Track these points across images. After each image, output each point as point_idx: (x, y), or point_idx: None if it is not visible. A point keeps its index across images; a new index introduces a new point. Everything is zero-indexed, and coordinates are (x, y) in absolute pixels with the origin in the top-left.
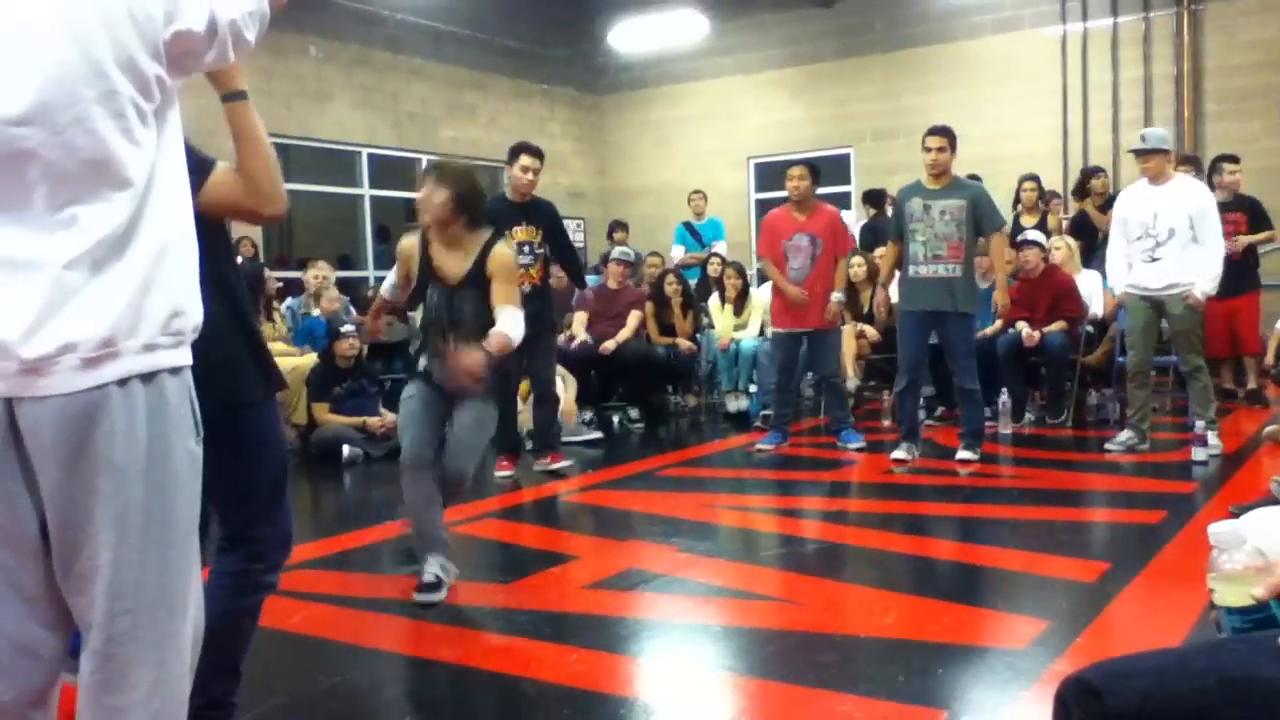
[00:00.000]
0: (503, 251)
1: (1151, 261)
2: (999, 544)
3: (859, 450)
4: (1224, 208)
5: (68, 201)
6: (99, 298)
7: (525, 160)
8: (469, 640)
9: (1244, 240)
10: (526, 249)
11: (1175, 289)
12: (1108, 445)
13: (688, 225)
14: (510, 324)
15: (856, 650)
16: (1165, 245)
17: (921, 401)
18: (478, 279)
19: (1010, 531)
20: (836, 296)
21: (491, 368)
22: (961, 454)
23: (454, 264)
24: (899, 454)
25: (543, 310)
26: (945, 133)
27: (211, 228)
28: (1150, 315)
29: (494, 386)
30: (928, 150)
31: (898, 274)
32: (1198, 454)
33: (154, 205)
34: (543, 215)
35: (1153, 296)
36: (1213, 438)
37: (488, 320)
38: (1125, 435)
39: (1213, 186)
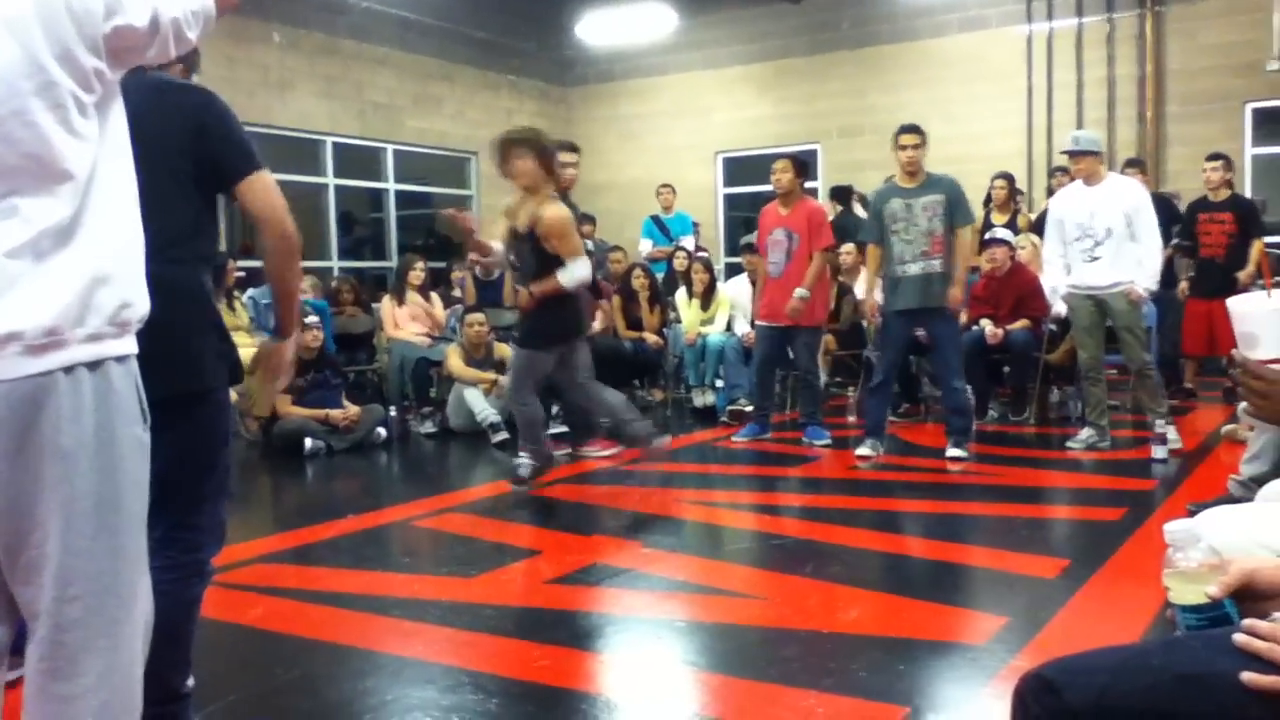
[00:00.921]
0: (550, 213)
1: (1091, 261)
2: (961, 540)
3: (825, 446)
4: (1214, 207)
5: (9, 192)
6: (43, 287)
7: (564, 156)
8: (431, 635)
9: (1252, 269)
10: None
11: (1117, 287)
12: (1069, 443)
13: (656, 219)
14: (566, 273)
15: (820, 646)
16: (1104, 244)
17: None
18: (531, 233)
19: (972, 528)
20: (799, 293)
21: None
22: (951, 451)
23: (524, 217)
24: (864, 450)
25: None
26: (919, 130)
27: (210, 214)
28: (1095, 313)
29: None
30: (903, 149)
31: (863, 274)
32: (1157, 452)
33: (98, 197)
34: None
35: (1095, 295)
36: (1171, 432)
37: (542, 266)
38: (1086, 433)
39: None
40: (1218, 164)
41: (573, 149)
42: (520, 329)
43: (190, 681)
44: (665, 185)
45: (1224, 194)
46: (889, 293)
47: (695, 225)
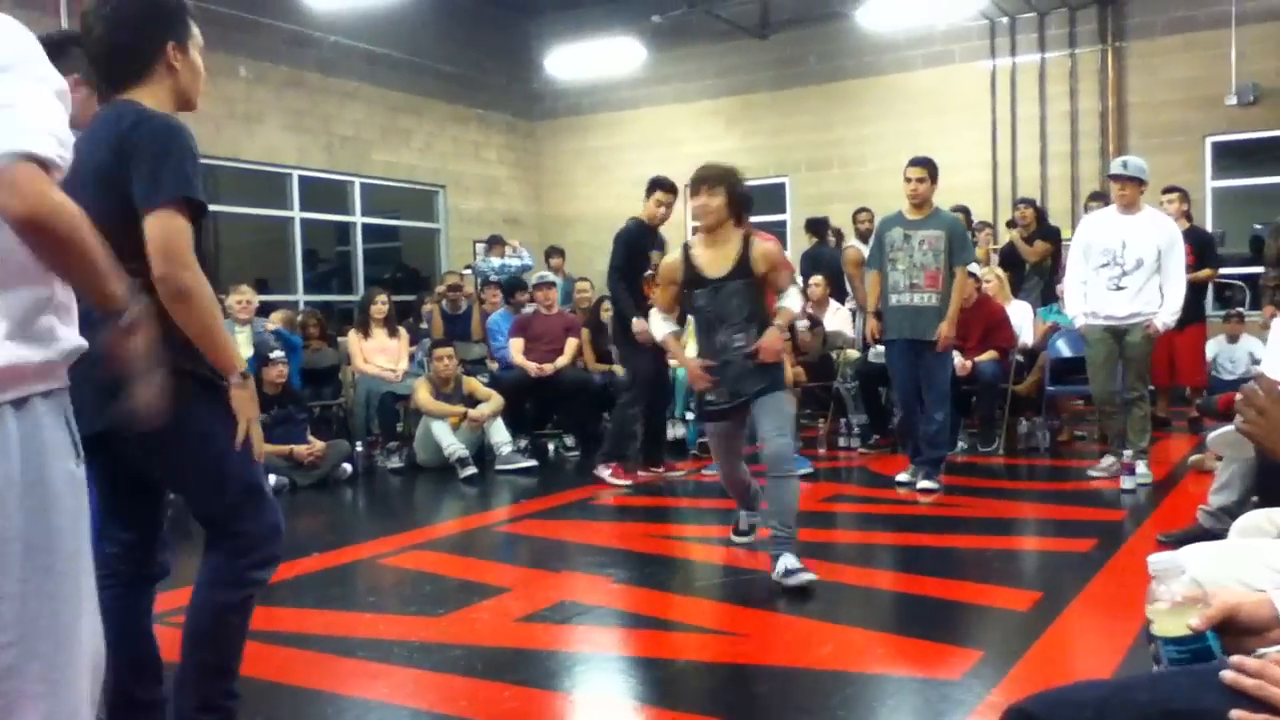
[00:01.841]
0: (764, 245)
1: (1116, 290)
2: (933, 573)
3: (805, 476)
4: None
5: None
6: None
7: (659, 195)
8: (398, 677)
9: (1190, 277)
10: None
11: (1138, 318)
12: (1090, 471)
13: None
14: (793, 299)
15: (794, 683)
16: (1131, 275)
17: (855, 430)
18: (744, 270)
19: (944, 560)
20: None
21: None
22: (922, 484)
23: (719, 261)
24: (903, 476)
25: None
26: (926, 164)
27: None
28: (1112, 345)
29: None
30: (908, 180)
31: (832, 304)
32: (1126, 483)
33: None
34: (661, 243)
35: (1115, 326)
36: (1141, 466)
37: (755, 309)
38: (1108, 461)
39: None
40: (1174, 196)
41: (670, 189)
42: (763, 377)
43: (235, 695)
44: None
45: (1182, 225)
46: (886, 320)
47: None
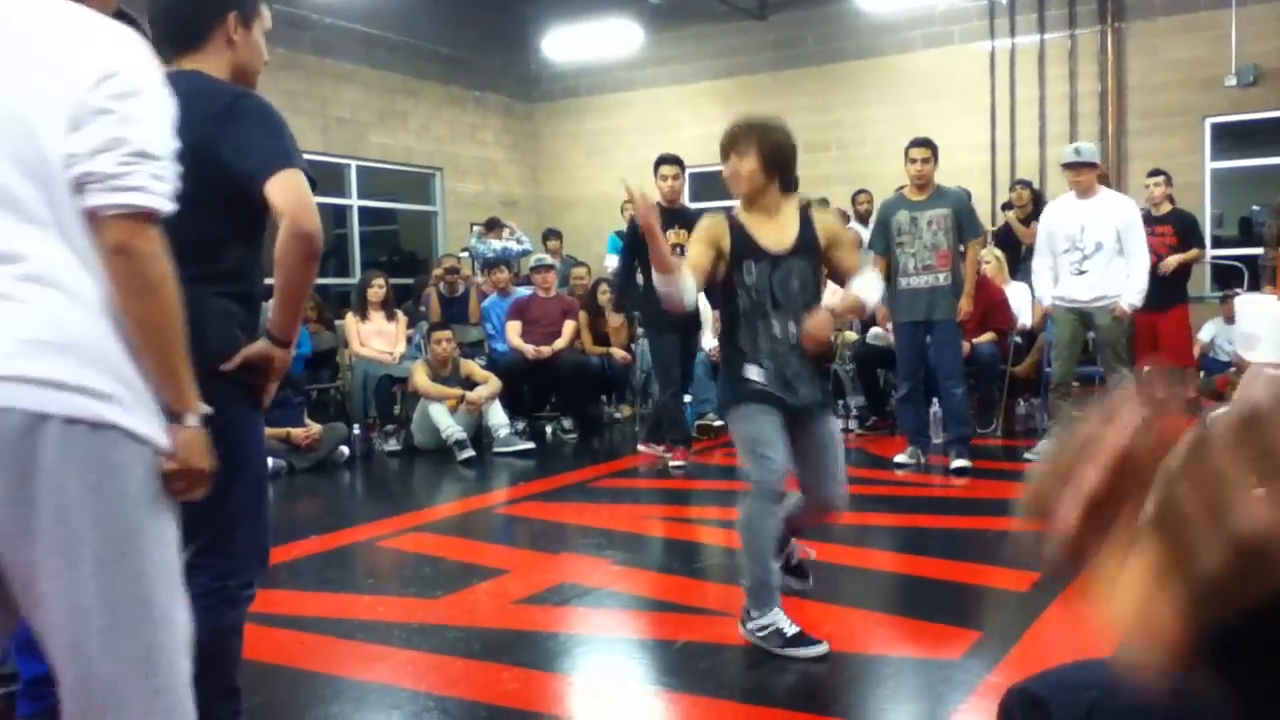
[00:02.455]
0: (828, 217)
1: (1079, 274)
2: (932, 554)
3: None
4: (1156, 221)
5: None
6: None
7: (662, 170)
8: (396, 659)
9: (1172, 261)
10: (678, 251)
11: (1103, 301)
12: (1027, 455)
13: (621, 235)
14: (871, 286)
15: (793, 664)
16: (1092, 258)
17: (853, 412)
18: (807, 248)
19: (942, 541)
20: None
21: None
22: (955, 462)
23: (775, 233)
24: (901, 458)
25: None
26: (929, 144)
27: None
28: (1077, 327)
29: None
30: (912, 162)
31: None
32: None
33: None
34: (692, 220)
35: (1080, 308)
36: None
37: (816, 294)
38: (1043, 444)
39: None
40: (1159, 179)
41: (672, 162)
42: (820, 384)
43: (241, 711)
44: (629, 201)
45: (1166, 208)
46: (896, 304)
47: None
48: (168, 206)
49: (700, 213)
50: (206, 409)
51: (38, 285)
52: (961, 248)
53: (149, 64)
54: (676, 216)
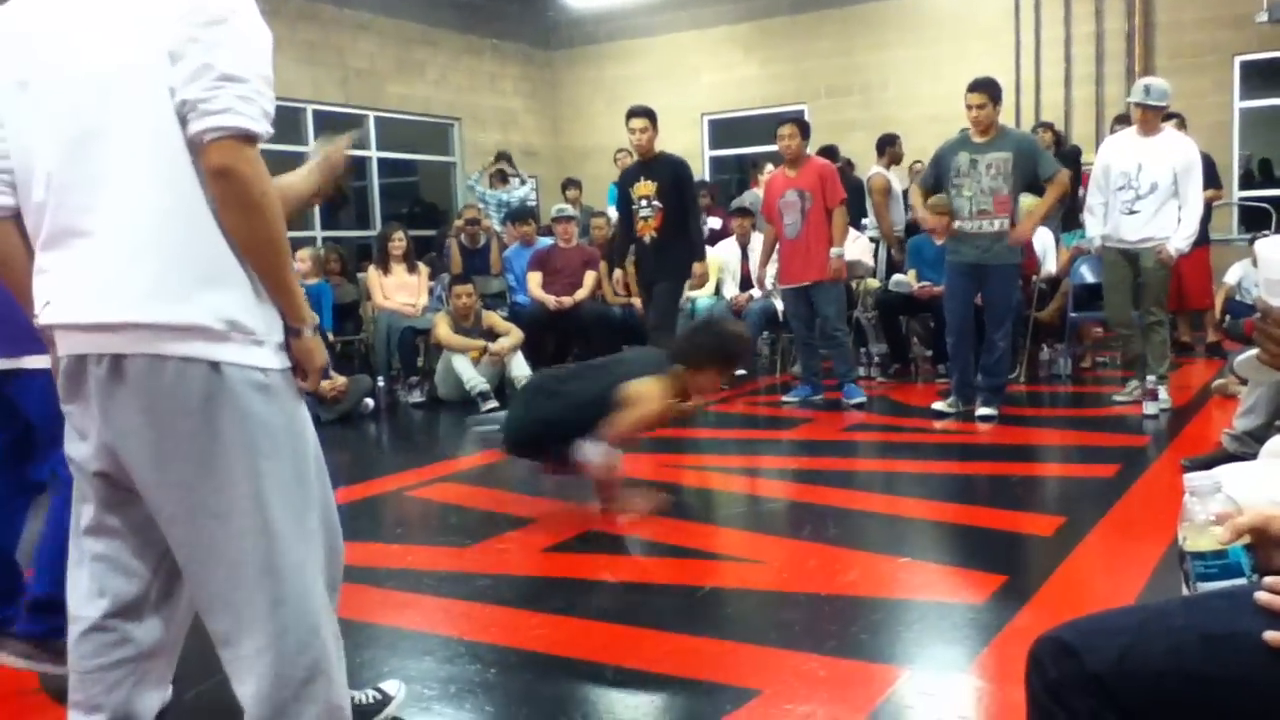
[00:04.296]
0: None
1: (1130, 214)
2: (957, 500)
3: (859, 406)
4: None
5: None
6: None
7: (631, 123)
8: (427, 606)
9: None
10: (645, 202)
11: (1150, 242)
12: (1115, 397)
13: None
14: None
15: (819, 609)
16: (1146, 199)
17: (875, 359)
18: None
19: (967, 487)
20: (836, 251)
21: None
22: (981, 410)
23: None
24: (940, 405)
25: (665, 260)
26: (984, 87)
27: None
28: (1126, 270)
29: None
30: (969, 108)
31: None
32: (1149, 408)
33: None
34: (663, 171)
35: (1128, 249)
36: (1163, 392)
37: None
38: (1132, 385)
39: None
40: (1170, 124)
41: (640, 114)
42: None
43: None
44: (621, 150)
45: None
46: (949, 244)
47: None
48: (259, 126)
49: (674, 163)
50: (315, 318)
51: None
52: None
53: None
54: (645, 169)
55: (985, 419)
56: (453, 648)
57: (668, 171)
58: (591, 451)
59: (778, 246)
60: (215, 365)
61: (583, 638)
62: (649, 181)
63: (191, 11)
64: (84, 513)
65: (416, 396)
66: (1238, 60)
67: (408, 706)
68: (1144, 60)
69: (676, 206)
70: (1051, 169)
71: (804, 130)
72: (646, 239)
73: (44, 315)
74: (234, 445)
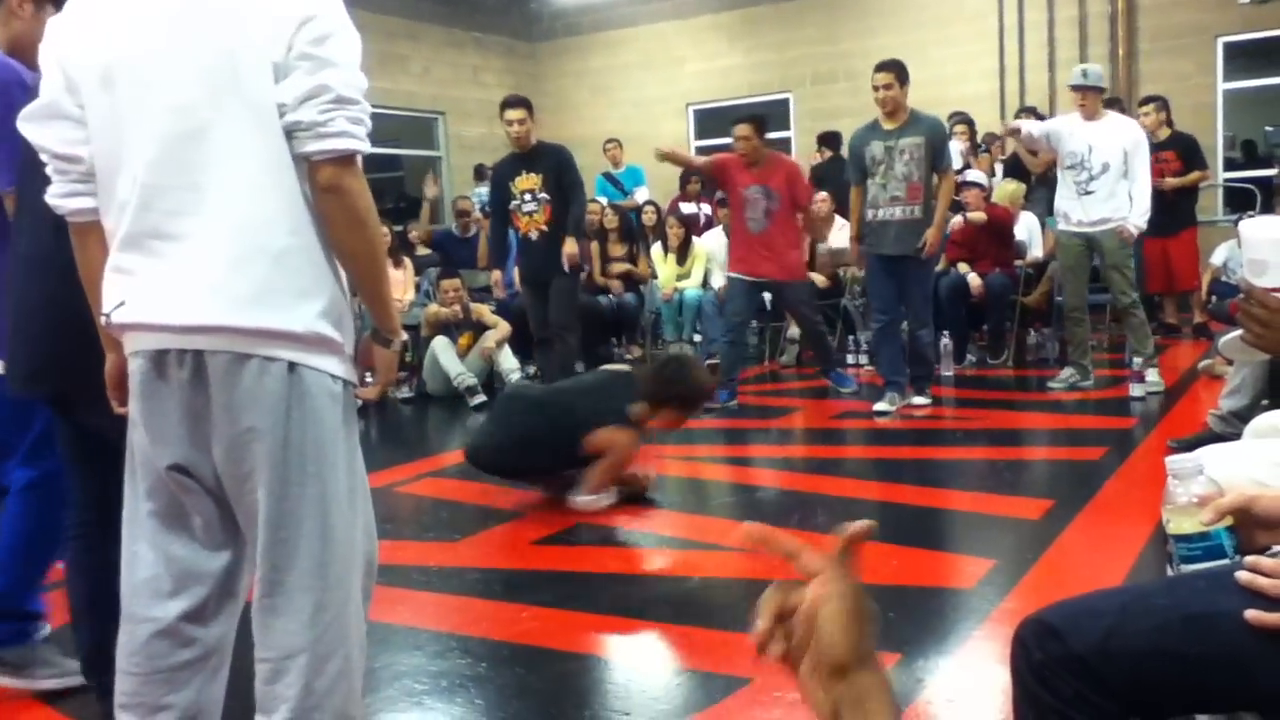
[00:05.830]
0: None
1: (1085, 194)
2: (945, 485)
3: (852, 394)
4: (1156, 148)
5: None
6: None
7: (506, 114)
8: (417, 601)
9: (1172, 183)
10: (529, 197)
11: (1108, 224)
12: (1050, 384)
13: (608, 175)
14: None
15: None
16: (1099, 179)
17: (863, 346)
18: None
19: (955, 472)
20: (824, 248)
21: None
22: (915, 399)
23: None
24: (881, 405)
25: (558, 255)
26: (890, 67)
27: None
28: (1081, 253)
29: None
30: (875, 89)
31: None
32: (1135, 390)
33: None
34: (546, 162)
35: (1085, 233)
36: (1151, 374)
37: None
38: (1067, 372)
39: None
40: (1150, 107)
41: (515, 104)
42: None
43: None
44: (611, 140)
45: (1165, 133)
46: (867, 236)
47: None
48: (367, 146)
49: (556, 151)
50: (404, 335)
51: (258, 237)
52: (935, 180)
53: (336, 2)
54: (524, 161)
55: (919, 405)
56: (444, 642)
57: (551, 162)
58: (583, 503)
59: (733, 231)
60: (293, 366)
61: (574, 629)
62: (531, 175)
63: (297, 23)
64: (146, 510)
65: (405, 392)
66: (1221, 41)
67: (400, 701)
68: (1127, 42)
69: (564, 198)
70: (946, 162)
71: (761, 129)
72: (533, 235)
73: (120, 315)
74: (306, 446)
